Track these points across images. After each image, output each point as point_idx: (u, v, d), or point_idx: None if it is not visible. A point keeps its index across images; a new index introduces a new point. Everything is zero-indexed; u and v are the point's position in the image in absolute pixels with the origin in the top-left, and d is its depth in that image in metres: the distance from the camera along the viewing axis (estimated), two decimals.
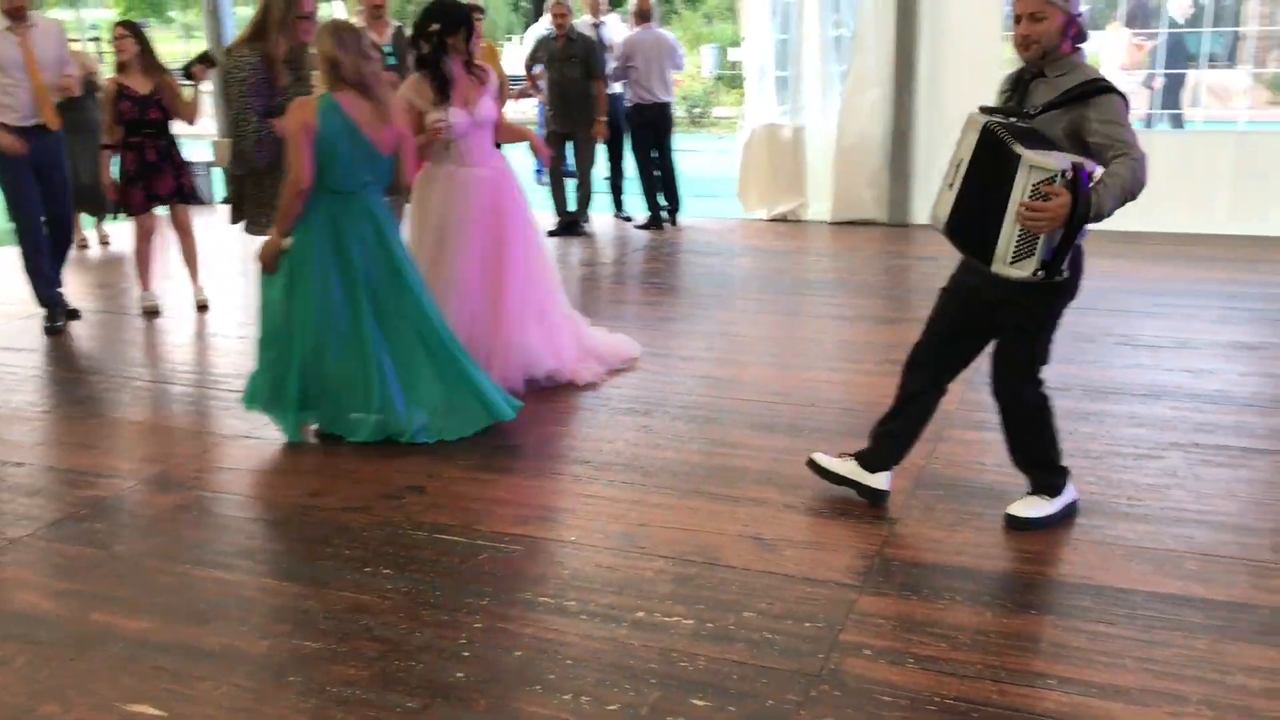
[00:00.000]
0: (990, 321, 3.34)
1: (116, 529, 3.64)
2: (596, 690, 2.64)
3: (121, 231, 8.48)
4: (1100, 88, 3.05)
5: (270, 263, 4.21)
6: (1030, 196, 2.96)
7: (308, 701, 2.63)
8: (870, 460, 3.61)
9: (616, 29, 9.63)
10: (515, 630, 2.92)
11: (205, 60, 5.87)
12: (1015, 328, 3.29)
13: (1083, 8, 3.14)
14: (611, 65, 8.63)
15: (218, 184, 10.51)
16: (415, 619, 2.99)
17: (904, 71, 8.51)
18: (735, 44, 15.88)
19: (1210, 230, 7.98)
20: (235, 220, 5.36)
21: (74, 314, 6.41)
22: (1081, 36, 3.13)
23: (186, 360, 5.68)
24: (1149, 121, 9.17)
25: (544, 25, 9.21)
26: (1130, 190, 2.98)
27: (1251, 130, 8.56)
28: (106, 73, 7.74)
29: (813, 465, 3.72)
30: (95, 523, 3.68)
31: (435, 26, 4.63)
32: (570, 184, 8.80)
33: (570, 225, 8.79)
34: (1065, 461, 3.50)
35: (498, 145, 4.98)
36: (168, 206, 6.45)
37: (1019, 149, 2.97)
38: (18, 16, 5.77)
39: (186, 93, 6.31)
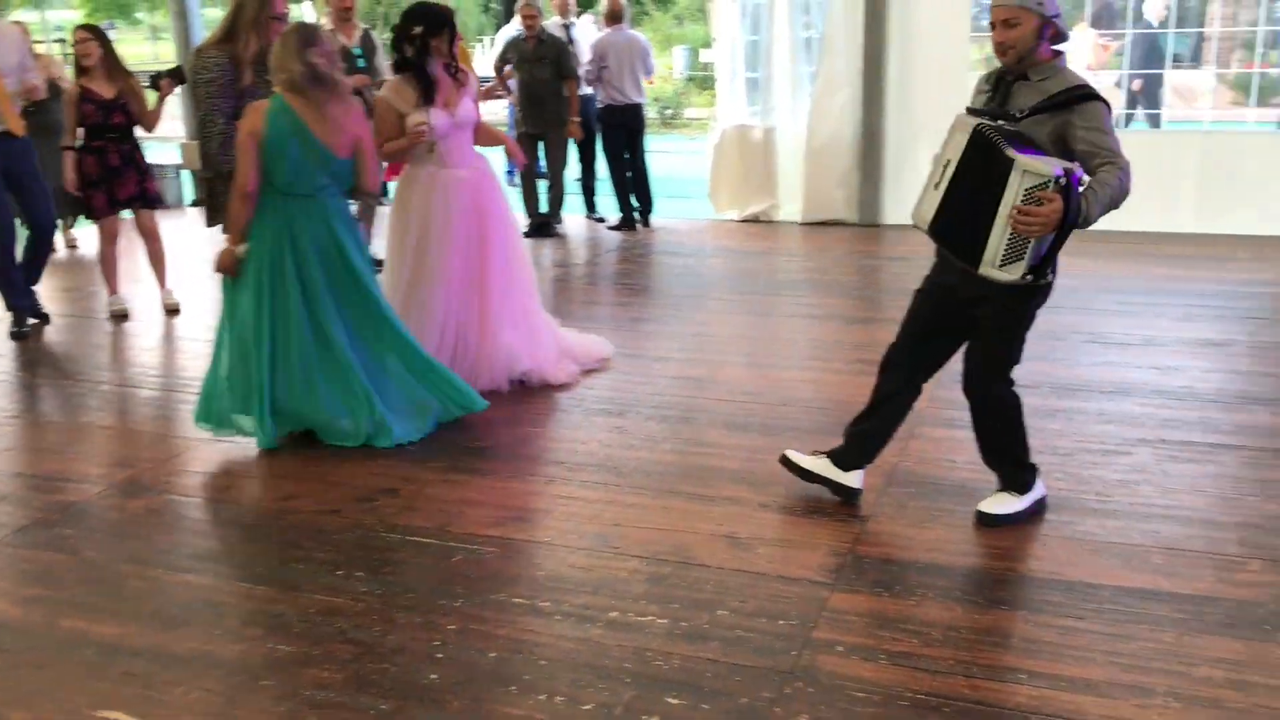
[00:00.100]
0: (965, 320, 3.36)
1: (86, 534, 3.61)
2: (571, 690, 2.65)
3: (88, 235, 8.39)
4: (1085, 94, 3.08)
5: (230, 270, 4.19)
6: (1023, 201, 2.97)
7: (281, 705, 2.61)
8: (843, 458, 3.63)
9: (586, 30, 9.63)
10: (489, 631, 2.92)
11: (175, 75, 5.81)
12: (996, 327, 3.32)
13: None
14: (585, 68, 8.63)
15: (187, 187, 10.45)
16: (389, 621, 2.98)
17: (873, 73, 8.56)
18: (706, 45, 15.90)
19: (1177, 229, 8.08)
20: (212, 223, 5.32)
21: (44, 318, 6.35)
22: (1060, 37, 3.14)
23: (155, 364, 5.64)
24: (1126, 121, 9.24)
25: (514, 27, 9.20)
26: (1116, 199, 3.02)
27: (1216, 130, 8.68)
28: (69, 76, 7.64)
29: (786, 462, 3.73)
30: (64, 528, 3.64)
31: (419, 29, 4.61)
32: (542, 185, 8.80)
33: (542, 226, 8.78)
34: (1034, 458, 3.53)
35: None
36: (131, 211, 6.39)
37: (1011, 153, 2.98)
38: None
39: (150, 98, 6.26)
